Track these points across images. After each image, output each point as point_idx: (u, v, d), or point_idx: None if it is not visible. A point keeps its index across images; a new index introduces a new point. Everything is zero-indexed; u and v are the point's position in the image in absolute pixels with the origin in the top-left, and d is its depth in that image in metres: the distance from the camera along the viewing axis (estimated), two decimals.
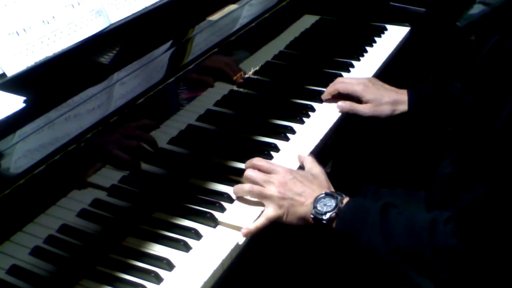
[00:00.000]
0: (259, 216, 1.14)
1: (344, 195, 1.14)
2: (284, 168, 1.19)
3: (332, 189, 1.18)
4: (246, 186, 1.17)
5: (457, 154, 1.18)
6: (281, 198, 1.14)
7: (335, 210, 1.11)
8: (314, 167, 1.23)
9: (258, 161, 1.22)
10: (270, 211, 1.14)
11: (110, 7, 1.18)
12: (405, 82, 1.53)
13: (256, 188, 1.16)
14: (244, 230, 1.10)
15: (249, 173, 1.19)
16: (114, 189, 1.11)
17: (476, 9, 1.05)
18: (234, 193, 1.18)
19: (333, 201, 1.12)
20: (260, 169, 1.20)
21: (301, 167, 1.26)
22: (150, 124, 1.17)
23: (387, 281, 1.18)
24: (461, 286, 1.01)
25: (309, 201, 1.14)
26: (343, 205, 1.12)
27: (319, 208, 1.12)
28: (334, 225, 1.12)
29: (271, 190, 1.15)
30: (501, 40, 0.99)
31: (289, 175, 1.17)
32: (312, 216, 1.13)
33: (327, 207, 1.12)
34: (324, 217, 1.11)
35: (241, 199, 1.19)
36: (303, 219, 1.14)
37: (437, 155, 1.33)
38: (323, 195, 1.14)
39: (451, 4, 1.45)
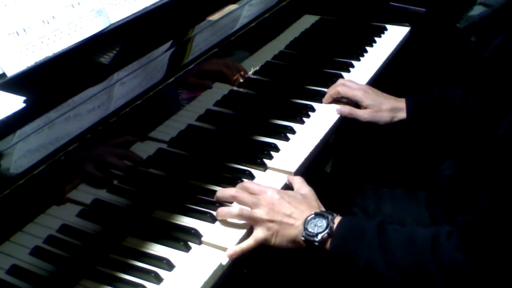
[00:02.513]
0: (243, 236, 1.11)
1: (335, 214, 1.11)
2: (272, 189, 1.15)
3: (322, 209, 1.15)
4: (235, 210, 1.12)
5: (457, 157, 1.18)
6: (269, 221, 1.10)
7: (327, 231, 1.07)
8: (302, 187, 1.19)
9: (247, 183, 1.18)
10: (258, 234, 1.10)
11: (110, 7, 1.18)
12: (405, 82, 1.53)
13: (245, 211, 1.12)
14: (229, 252, 1.06)
15: (237, 194, 1.14)
16: (114, 189, 1.11)
17: (477, 10, 1.04)
18: (221, 216, 1.13)
19: (324, 221, 1.09)
20: (248, 191, 1.16)
21: (290, 188, 1.22)
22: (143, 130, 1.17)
23: None
24: None
25: (298, 222, 1.10)
26: (334, 224, 1.09)
27: (310, 229, 1.08)
28: (328, 246, 1.08)
29: (260, 213, 1.10)
30: (503, 43, 0.99)
31: (276, 196, 1.13)
32: (303, 238, 1.09)
33: (318, 228, 1.08)
34: (316, 239, 1.07)
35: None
36: (294, 242, 1.10)
37: (438, 156, 1.33)
38: (313, 215, 1.10)
39: (451, 4, 1.45)
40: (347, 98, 1.47)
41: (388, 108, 1.45)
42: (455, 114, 1.33)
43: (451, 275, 0.98)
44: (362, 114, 1.45)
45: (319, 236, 1.07)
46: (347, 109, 1.45)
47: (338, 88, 1.48)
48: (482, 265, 0.96)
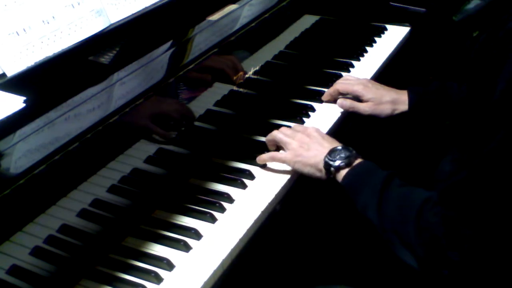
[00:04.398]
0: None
1: (358, 155, 1.19)
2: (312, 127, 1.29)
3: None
4: (278, 134, 1.28)
5: (456, 152, 1.19)
6: (300, 147, 1.24)
7: (345, 161, 1.17)
8: None
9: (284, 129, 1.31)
10: (286, 155, 1.25)
11: (110, 7, 1.18)
12: (405, 82, 1.53)
13: (282, 137, 1.26)
14: (259, 158, 1.26)
15: (275, 132, 1.29)
16: (114, 189, 1.11)
17: (473, 3, 1.08)
18: (267, 140, 1.31)
19: (347, 153, 1.19)
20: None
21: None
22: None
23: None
24: (435, 266, 1.01)
25: (325, 150, 1.21)
26: (356, 160, 1.18)
27: (331, 157, 1.19)
28: (340, 177, 1.17)
29: (294, 144, 1.25)
30: (493, 31, 1.01)
31: (312, 131, 1.27)
32: (323, 162, 1.19)
33: (340, 158, 1.18)
34: (334, 164, 1.17)
35: (240, 198, 1.19)
36: (314, 167, 1.21)
37: (437, 153, 1.33)
38: (340, 147, 1.21)
39: (451, 3, 1.45)
40: (347, 94, 1.47)
41: (389, 100, 1.45)
42: (452, 108, 1.34)
43: (424, 237, 1.00)
44: (363, 107, 1.45)
45: (337, 162, 1.17)
46: (348, 103, 1.46)
47: (337, 86, 1.48)
48: (451, 233, 0.97)
